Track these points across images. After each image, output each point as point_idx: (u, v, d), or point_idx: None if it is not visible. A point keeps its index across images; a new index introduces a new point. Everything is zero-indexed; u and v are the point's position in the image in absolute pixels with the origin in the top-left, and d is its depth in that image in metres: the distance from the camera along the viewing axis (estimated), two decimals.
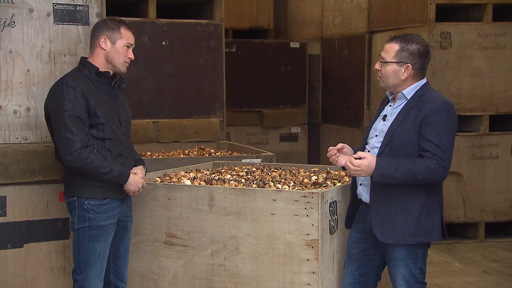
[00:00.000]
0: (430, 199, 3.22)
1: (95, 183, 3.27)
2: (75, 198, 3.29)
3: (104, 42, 3.33)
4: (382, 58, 3.25)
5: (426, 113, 3.13)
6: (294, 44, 8.34)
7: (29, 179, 3.58)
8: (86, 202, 3.28)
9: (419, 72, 3.24)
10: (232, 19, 8.56)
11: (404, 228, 3.17)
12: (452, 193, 6.36)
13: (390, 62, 3.22)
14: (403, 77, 3.21)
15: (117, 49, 3.35)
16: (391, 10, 6.86)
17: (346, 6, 7.85)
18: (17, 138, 3.56)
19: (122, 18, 3.44)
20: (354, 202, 3.43)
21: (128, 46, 3.38)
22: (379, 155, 3.19)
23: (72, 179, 3.30)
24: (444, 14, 6.53)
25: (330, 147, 3.35)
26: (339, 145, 3.35)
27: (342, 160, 3.32)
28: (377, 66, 3.28)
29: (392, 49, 3.22)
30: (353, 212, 3.45)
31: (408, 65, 3.20)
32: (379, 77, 3.29)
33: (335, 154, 3.33)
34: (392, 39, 3.26)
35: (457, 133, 6.00)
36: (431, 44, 6.20)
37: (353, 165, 3.11)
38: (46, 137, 3.61)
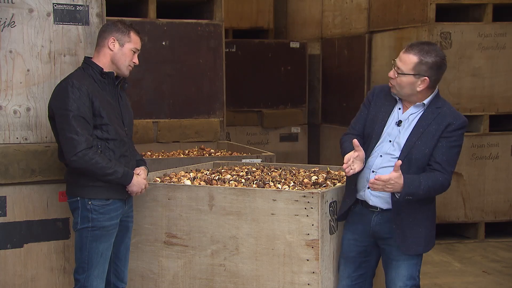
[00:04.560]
0: (435, 209, 3.34)
1: (99, 183, 3.27)
2: (78, 198, 3.29)
3: (113, 43, 3.33)
4: (399, 68, 3.19)
5: (446, 127, 3.17)
6: (294, 44, 8.34)
7: (29, 179, 3.58)
8: (90, 202, 3.28)
9: (434, 84, 3.24)
10: (232, 19, 8.56)
11: (421, 238, 3.25)
12: (452, 193, 6.36)
13: (408, 74, 3.17)
14: (419, 89, 3.19)
15: (124, 52, 3.36)
16: (391, 10, 6.86)
17: (346, 6, 7.85)
18: (17, 138, 3.56)
19: (132, 23, 3.46)
20: (351, 199, 3.40)
21: (134, 51, 3.40)
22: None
23: (75, 179, 3.30)
24: (444, 14, 6.53)
25: (347, 156, 3.20)
26: (358, 154, 3.20)
27: (357, 167, 3.20)
28: (392, 74, 3.22)
29: (410, 60, 3.15)
30: (348, 208, 3.42)
31: (425, 78, 3.17)
32: (392, 85, 3.25)
33: (349, 165, 3.20)
34: (411, 50, 3.17)
35: None
36: None
37: (382, 181, 3.04)
38: (46, 137, 3.61)
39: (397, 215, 3.23)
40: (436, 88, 3.28)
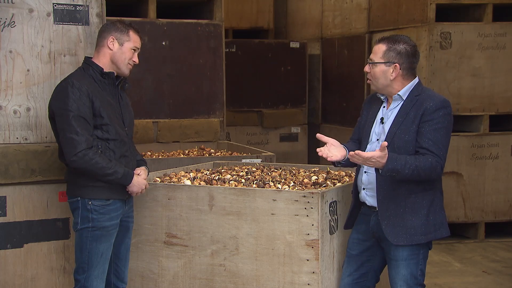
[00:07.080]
0: (436, 196, 3.26)
1: (99, 183, 3.27)
2: (79, 199, 3.29)
3: (112, 43, 3.33)
4: (371, 59, 3.28)
5: (424, 111, 3.15)
6: (294, 44, 8.34)
7: (29, 179, 3.58)
8: (90, 202, 3.28)
9: (408, 72, 3.24)
10: (232, 19, 8.56)
11: (415, 228, 3.20)
12: (452, 193, 6.36)
13: (378, 62, 3.23)
14: (391, 77, 3.23)
15: (123, 51, 3.36)
16: (391, 10, 6.86)
17: (346, 6, 7.85)
18: (17, 138, 3.56)
19: (131, 22, 3.46)
20: (356, 205, 3.43)
21: (134, 50, 3.40)
22: None
23: (76, 179, 3.30)
24: (444, 14, 6.53)
25: (318, 149, 3.38)
26: (329, 142, 3.39)
27: (338, 152, 3.34)
28: (367, 68, 3.29)
29: (379, 49, 3.24)
30: (355, 215, 3.45)
31: (396, 65, 3.21)
32: (369, 79, 3.31)
33: (324, 151, 3.36)
34: (380, 41, 3.28)
35: (457, 133, 5.99)
36: (431, 44, 6.21)
37: (362, 157, 3.06)
38: (46, 137, 3.61)
39: (383, 204, 3.22)
40: (416, 79, 3.28)
